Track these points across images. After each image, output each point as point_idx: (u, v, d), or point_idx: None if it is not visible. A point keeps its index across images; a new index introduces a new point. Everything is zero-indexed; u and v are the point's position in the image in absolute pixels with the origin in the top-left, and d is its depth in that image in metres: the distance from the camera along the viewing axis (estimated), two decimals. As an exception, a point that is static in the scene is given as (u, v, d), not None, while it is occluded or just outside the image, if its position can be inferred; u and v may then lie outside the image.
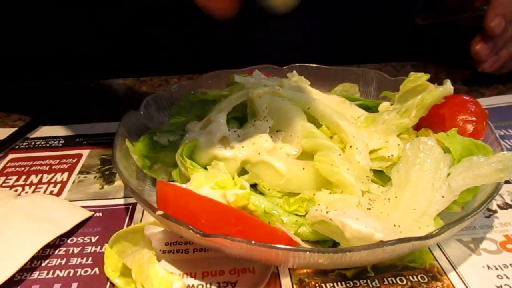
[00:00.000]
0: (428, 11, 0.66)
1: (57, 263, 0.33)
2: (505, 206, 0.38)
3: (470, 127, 0.40)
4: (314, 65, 0.56)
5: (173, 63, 0.72)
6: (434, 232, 0.27)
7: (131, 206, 0.39)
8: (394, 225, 0.29)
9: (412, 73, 0.44)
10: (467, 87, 0.63)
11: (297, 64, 0.56)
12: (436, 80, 0.59)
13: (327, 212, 0.29)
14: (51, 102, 0.61)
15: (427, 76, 0.43)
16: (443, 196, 0.31)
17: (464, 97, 0.42)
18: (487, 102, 0.57)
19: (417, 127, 0.42)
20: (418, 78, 0.43)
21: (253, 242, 0.26)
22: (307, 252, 0.26)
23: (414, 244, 0.27)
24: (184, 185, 0.34)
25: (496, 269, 0.31)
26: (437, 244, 0.33)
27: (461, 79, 0.65)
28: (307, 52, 0.71)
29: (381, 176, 0.37)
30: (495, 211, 0.37)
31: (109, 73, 0.69)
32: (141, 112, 0.45)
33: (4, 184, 0.43)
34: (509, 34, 0.58)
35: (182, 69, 0.70)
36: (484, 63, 0.59)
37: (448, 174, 0.33)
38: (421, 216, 0.30)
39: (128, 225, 0.37)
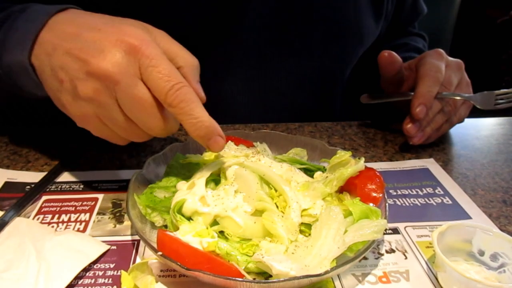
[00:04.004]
0: (371, 94, 0.86)
1: (88, 282, 0.50)
2: (390, 251, 0.56)
3: (373, 195, 0.58)
4: (275, 131, 0.74)
5: None
6: (324, 272, 0.45)
7: (136, 242, 0.56)
8: (305, 265, 0.47)
9: (339, 151, 0.63)
10: (394, 150, 0.82)
11: (263, 131, 0.74)
12: (372, 140, 0.79)
13: (263, 256, 0.46)
14: (71, 148, 0.78)
15: (349, 153, 0.62)
16: (338, 247, 0.49)
17: (372, 172, 0.61)
18: (404, 164, 0.76)
19: (341, 190, 0.60)
20: (342, 156, 0.61)
21: (215, 275, 0.43)
22: (247, 283, 0.43)
23: (312, 279, 0.44)
24: (174, 233, 0.51)
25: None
26: (338, 276, 0.51)
27: (391, 141, 0.84)
28: (272, 109, 0.90)
29: (309, 227, 0.55)
30: (383, 254, 0.55)
31: None
32: (144, 171, 0.63)
33: (43, 221, 0.59)
34: (430, 116, 0.78)
35: None
36: (413, 138, 0.78)
37: (346, 231, 0.51)
38: (323, 260, 0.48)
39: (135, 256, 0.54)
